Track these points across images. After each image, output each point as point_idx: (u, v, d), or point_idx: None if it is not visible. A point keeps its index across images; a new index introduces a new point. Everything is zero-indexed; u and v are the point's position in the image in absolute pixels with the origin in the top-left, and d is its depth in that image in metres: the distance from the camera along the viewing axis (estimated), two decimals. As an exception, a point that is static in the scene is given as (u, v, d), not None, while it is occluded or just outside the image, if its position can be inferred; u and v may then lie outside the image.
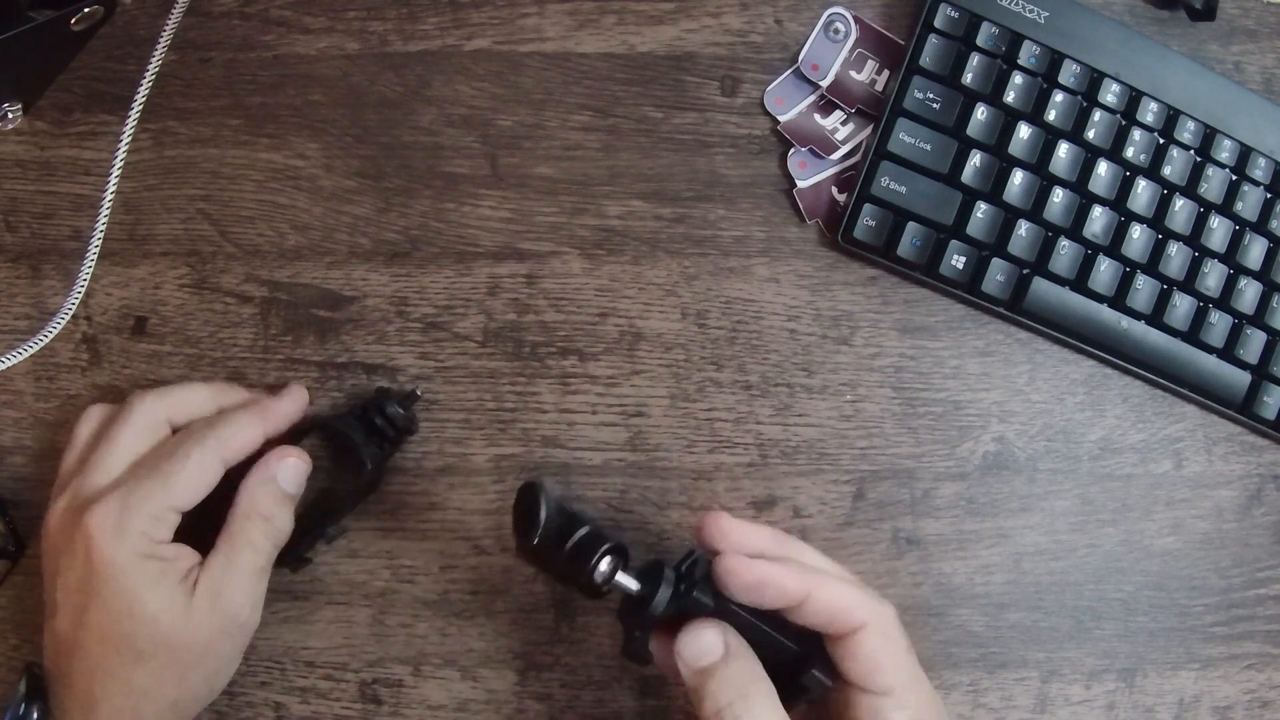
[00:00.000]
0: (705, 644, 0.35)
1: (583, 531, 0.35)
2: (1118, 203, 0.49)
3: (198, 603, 0.39)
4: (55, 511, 0.41)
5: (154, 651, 0.38)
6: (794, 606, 0.35)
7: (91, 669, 0.38)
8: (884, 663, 0.35)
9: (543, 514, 0.35)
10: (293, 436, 0.44)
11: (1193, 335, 0.50)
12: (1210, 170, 0.50)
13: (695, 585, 0.35)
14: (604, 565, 0.35)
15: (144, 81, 0.48)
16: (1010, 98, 0.49)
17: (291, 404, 0.44)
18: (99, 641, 0.38)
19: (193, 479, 0.40)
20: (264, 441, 0.43)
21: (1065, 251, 0.49)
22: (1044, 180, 0.49)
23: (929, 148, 0.49)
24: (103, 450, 0.41)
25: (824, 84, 0.50)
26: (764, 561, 0.34)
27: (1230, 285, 0.50)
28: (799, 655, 0.37)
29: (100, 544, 0.38)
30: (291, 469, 0.41)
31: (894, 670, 0.35)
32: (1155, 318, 0.50)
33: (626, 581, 0.36)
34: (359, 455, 0.43)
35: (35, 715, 0.39)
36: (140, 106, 0.48)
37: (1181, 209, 0.50)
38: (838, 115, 0.50)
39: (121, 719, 0.38)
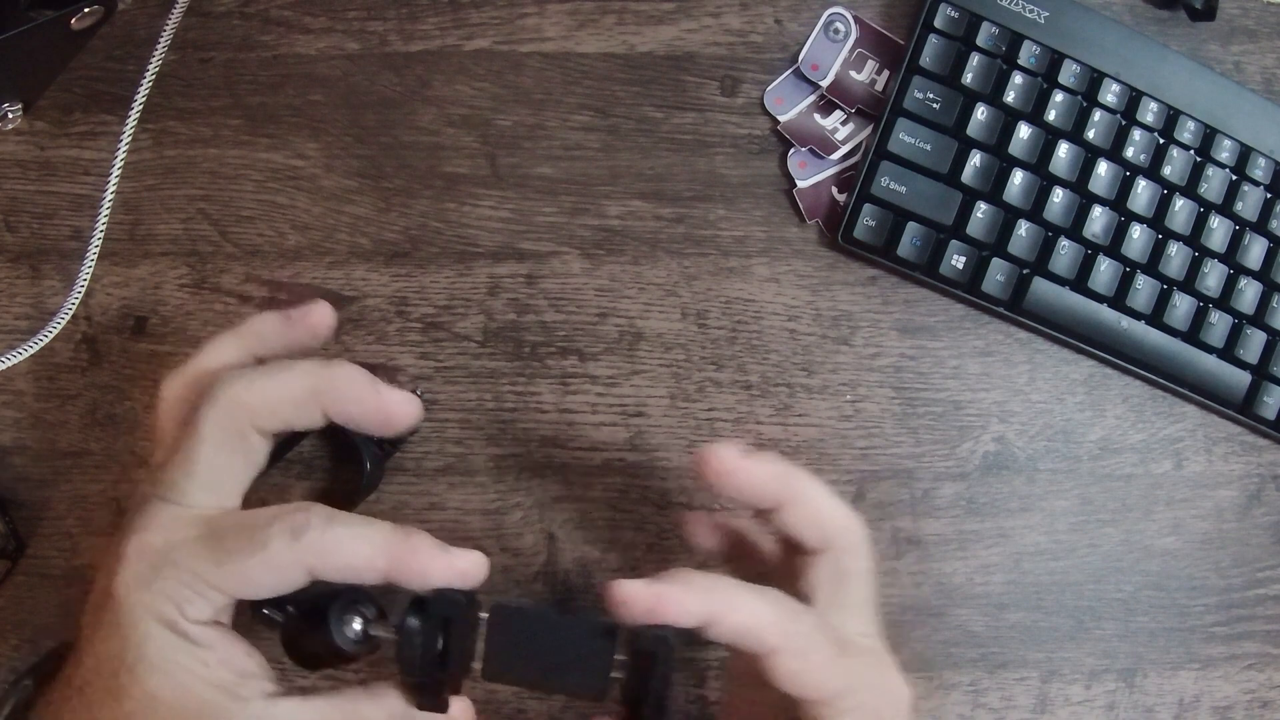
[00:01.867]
0: None
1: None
2: (1118, 203, 0.49)
3: None
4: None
5: None
6: (700, 629, 0.32)
7: (60, 701, 0.33)
8: (807, 681, 0.32)
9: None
10: (293, 438, 0.44)
11: (1193, 335, 0.50)
12: (1210, 170, 0.50)
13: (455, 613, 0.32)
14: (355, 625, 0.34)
15: (144, 81, 0.48)
16: (1010, 98, 0.49)
17: (442, 560, 0.33)
18: (79, 691, 0.32)
19: (259, 575, 0.31)
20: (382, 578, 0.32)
21: (1065, 251, 0.49)
22: (1044, 180, 0.49)
23: (929, 148, 0.49)
24: (182, 459, 0.33)
25: (824, 84, 0.50)
26: (660, 586, 0.31)
27: (1230, 285, 0.50)
28: (609, 630, 0.32)
29: (122, 580, 0.31)
30: None
31: (817, 686, 0.32)
32: (1155, 318, 0.50)
33: (384, 633, 0.34)
34: (359, 455, 0.43)
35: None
36: (140, 106, 0.48)
37: (1181, 209, 0.50)
38: (838, 115, 0.50)
39: None
